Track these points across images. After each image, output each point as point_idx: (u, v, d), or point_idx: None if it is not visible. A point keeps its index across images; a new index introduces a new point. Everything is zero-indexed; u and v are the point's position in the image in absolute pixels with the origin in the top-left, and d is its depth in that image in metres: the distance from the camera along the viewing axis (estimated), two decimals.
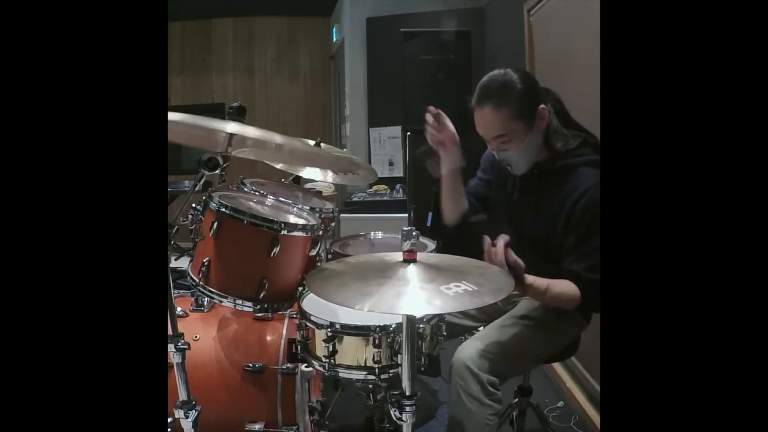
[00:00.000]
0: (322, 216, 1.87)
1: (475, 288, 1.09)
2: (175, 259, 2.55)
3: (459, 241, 1.68)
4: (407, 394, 1.17)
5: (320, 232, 1.68)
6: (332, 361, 1.38)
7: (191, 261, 1.58)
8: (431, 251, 1.90)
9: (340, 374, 1.39)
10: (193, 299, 1.76)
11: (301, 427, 1.61)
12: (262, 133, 1.48)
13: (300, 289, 1.59)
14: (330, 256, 2.02)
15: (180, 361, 1.30)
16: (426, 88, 3.23)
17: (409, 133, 2.83)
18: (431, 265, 1.18)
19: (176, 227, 1.32)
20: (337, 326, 1.38)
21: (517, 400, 1.77)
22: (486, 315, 1.69)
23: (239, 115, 1.49)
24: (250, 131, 1.45)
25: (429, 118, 1.56)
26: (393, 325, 1.36)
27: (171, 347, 1.29)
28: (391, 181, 4.08)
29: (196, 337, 1.63)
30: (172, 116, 1.27)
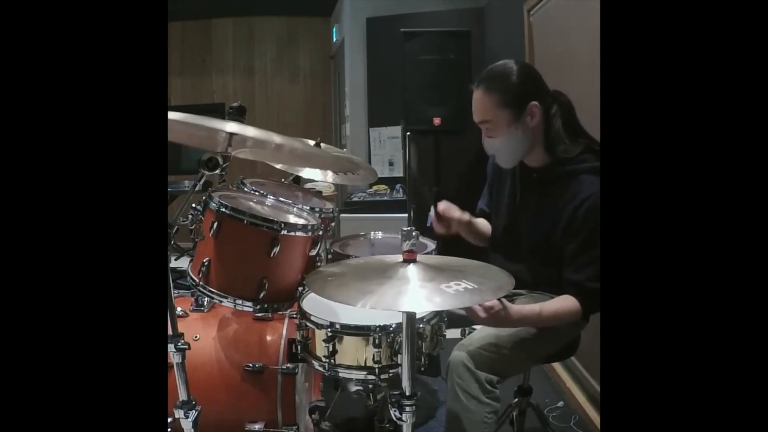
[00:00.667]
0: (322, 216, 1.87)
1: (475, 286, 1.10)
2: (175, 259, 2.55)
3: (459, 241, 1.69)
4: (407, 394, 1.17)
5: (320, 232, 1.68)
6: (332, 361, 1.38)
7: (191, 261, 1.58)
8: (431, 251, 1.90)
9: (340, 374, 1.40)
10: (193, 299, 1.76)
11: (301, 427, 1.61)
12: (262, 133, 1.48)
13: (300, 289, 1.59)
14: (330, 256, 2.02)
15: (180, 361, 1.30)
16: (426, 88, 3.21)
17: (409, 133, 2.83)
18: (431, 265, 1.18)
19: (176, 227, 1.32)
20: (337, 326, 1.38)
21: (517, 400, 1.77)
22: None
23: (239, 115, 1.49)
24: (250, 131, 1.45)
25: (432, 215, 1.65)
26: (393, 325, 1.36)
27: (171, 347, 1.29)
28: (391, 181, 4.07)
29: (196, 337, 1.63)
30: (172, 116, 1.27)
